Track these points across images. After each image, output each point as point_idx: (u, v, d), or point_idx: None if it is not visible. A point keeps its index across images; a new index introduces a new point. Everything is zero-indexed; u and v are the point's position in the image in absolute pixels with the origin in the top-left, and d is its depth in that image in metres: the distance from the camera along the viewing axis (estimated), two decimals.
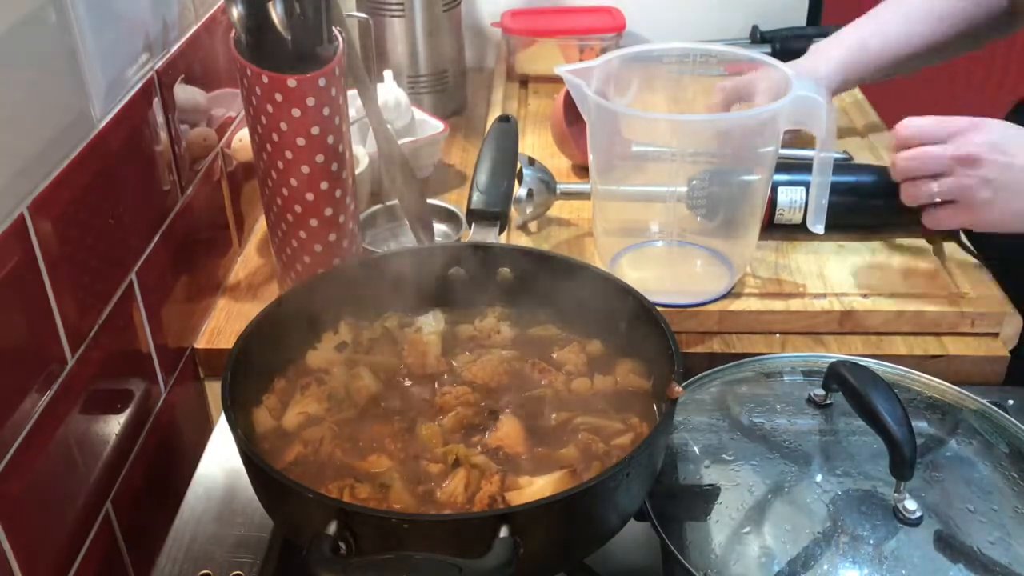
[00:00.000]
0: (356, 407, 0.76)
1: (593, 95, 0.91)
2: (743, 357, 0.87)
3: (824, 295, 0.98)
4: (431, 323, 0.84)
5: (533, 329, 0.84)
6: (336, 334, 0.82)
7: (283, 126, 0.87)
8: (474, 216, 0.92)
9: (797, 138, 1.20)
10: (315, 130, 0.87)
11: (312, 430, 0.73)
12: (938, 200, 0.93)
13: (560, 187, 1.11)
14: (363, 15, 1.25)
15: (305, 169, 0.89)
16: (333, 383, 0.77)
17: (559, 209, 1.12)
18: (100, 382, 0.78)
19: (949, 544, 0.67)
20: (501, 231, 0.92)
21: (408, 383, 0.79)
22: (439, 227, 1.09)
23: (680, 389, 0.69)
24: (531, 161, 1.09)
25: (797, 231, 1.05)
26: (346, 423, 0.74)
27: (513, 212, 1.02)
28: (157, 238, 0.88)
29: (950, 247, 1.05)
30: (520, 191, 1.07)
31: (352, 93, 0.96)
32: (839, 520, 0.69)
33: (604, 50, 1.43)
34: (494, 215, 0.92)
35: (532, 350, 0.81)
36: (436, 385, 0.78)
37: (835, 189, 1.06)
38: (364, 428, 0.74)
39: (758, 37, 1.56)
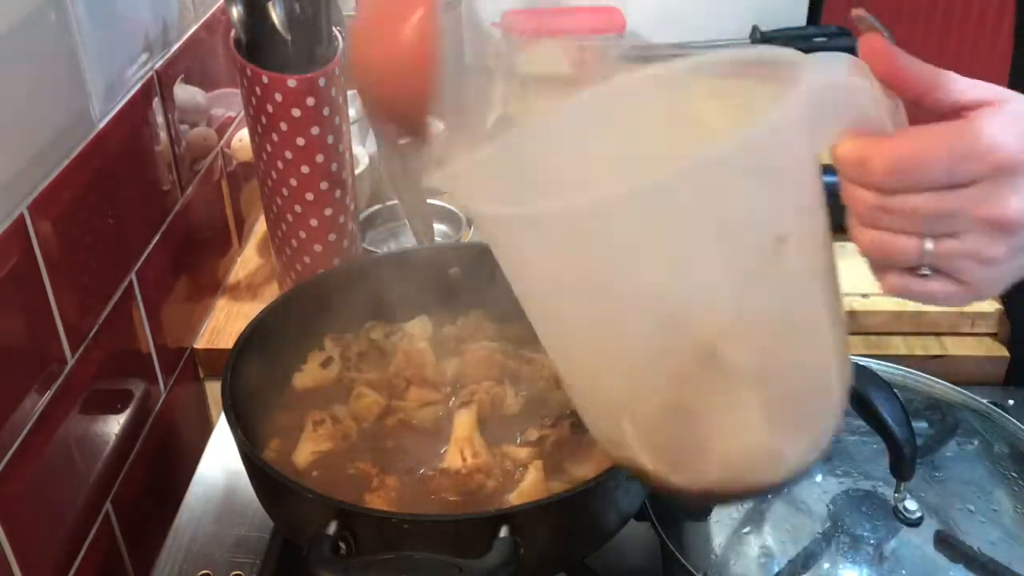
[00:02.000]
0: (365, 434, 0.74)
1: None
2: None
3: None
4: (418, 330, 0.83)
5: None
6: (340, 336, 0.82)
7: (283, 126, 0.87)
8: None
9: None
10: (315, 130, 0.87)
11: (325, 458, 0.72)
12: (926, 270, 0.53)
13: None
14: None
15: (305, 169, 0.89)
16: (347, 422, 0.74)
17: None
18: (100, 382, 0.78)
19: (949, 544, 0.67)
20: None
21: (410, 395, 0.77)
22: (439, 227, 1.08)
23: None
24: None
25: None
26: (359, 451, 0.73)
27: None
28: (157, 238, 0.88)
29: None
30: None
31: (352, 93, 0.96)
32: (839, 520, 0.68)
33: (604, 51, 1.43)
34: None
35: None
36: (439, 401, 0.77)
37: (835, 190, 1.06)
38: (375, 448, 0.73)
39: (758, 37, 1.56)
